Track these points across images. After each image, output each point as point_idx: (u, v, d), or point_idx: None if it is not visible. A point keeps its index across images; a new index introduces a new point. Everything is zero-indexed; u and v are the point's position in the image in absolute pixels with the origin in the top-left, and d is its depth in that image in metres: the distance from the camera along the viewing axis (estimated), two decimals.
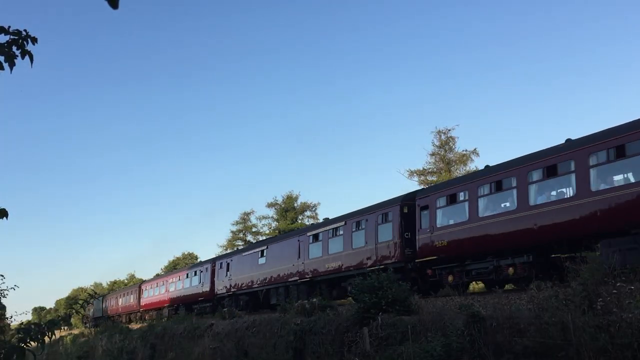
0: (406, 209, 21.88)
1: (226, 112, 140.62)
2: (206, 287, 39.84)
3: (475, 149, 40.98)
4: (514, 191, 17.45)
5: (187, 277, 43.96)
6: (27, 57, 4.32)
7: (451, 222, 19.67)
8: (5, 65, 4.26)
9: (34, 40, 4.30)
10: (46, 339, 4.40)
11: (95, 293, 7.03)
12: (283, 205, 58.49)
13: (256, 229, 61.56)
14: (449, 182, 22.45)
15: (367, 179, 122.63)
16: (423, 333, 14.81)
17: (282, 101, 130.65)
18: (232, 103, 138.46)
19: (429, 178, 41.19)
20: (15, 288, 14.65)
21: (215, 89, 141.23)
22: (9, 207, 4.40)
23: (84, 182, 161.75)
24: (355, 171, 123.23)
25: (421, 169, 42.44)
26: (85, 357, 44.26)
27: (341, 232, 25.06)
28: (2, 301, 13.76)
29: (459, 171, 39.50)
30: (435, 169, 41.89)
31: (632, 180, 14.62)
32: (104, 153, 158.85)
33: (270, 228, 59.76)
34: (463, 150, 41.27)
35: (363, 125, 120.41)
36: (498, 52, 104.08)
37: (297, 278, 28.00)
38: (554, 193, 16.76)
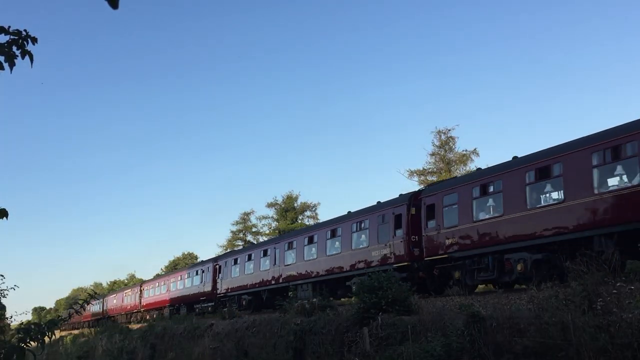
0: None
1: (226, 112, 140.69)
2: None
3: (475, 149, 41.08)
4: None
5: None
6: (27, 57, 4.32)
7: None
8: (5, 65, 4.26)
9: (34, 40, 4.30)
10: (46, 339, 4.39)
11: (96, 293, 7.02)
12: (283, 205, 58.45)
13: (256, 229, 61.59)
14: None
15: (367, 179, 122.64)
16: (423, 333, 14.80)
17: (282, 101, 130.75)
18: (232, 103, 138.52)
19: (429, 178, 41.20)
20: (15, 288, 14.66)
21: (215, 89, 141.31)
22: (9, 207, 4.40)
23: (84, 182, 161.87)
24: (355, 171, 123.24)
25: (421, 169, 42.51)
26: (85, 357, 44.23)
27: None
28: (2, 301, 13.75)
29: (459, 171, 39.49)
30: (435, 169, 41.91)
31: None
32: (104, 153, 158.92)
33: (270, 228, 59.77)
34: (463, 150, 41.36)
35: (363, 125, 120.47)
36: (498, 52, 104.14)
37: None
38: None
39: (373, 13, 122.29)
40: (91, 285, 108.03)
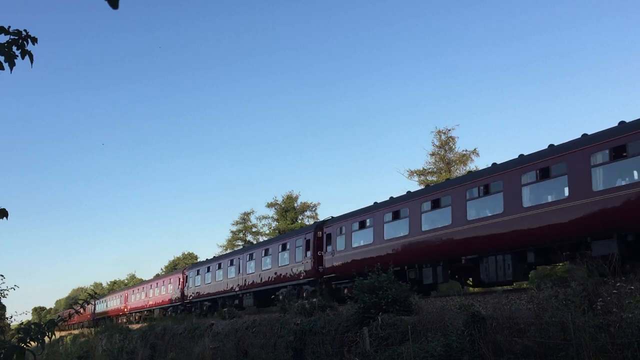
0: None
1: (226, 112, 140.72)
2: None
3: (475, 149, 41.08)
4: None
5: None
6: (27, 57, 4.32)
7: None
8: (5, 65, 4.25)
9: (34, 40, 4.29)
10: (46, 339, 4.39)
11: (96, 293, 7.01)
12: (283, 205, 58.43)
13: (256, 229, 61.61)
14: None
15: (367, 179, 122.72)
16: (423, 333, 14.80)
17: (282, 101, 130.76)
18: (232, 103, 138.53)
19: (429, 178, 41.19)
20: (15, 288, 14.67)
21: (216, 88, 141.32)
22: (9, 207, 4.40)
23: (84, 182, 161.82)
24: (355, 171, 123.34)
25: (421, 169, 42.51)
26: (85, 357, 44.21)
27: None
28: (2, 301, 13.76)
29: (459, 171, 39.49)
30: (435, 169, 41.90)
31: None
32: (103, 153, 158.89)
33: (270, 228, 59.79)
34: (463, 150, 41.35)
35: (363, 125, 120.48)
36: (498, 52, 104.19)
37: None
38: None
39: (373, 13, 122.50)
40: (91, 285, 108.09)
